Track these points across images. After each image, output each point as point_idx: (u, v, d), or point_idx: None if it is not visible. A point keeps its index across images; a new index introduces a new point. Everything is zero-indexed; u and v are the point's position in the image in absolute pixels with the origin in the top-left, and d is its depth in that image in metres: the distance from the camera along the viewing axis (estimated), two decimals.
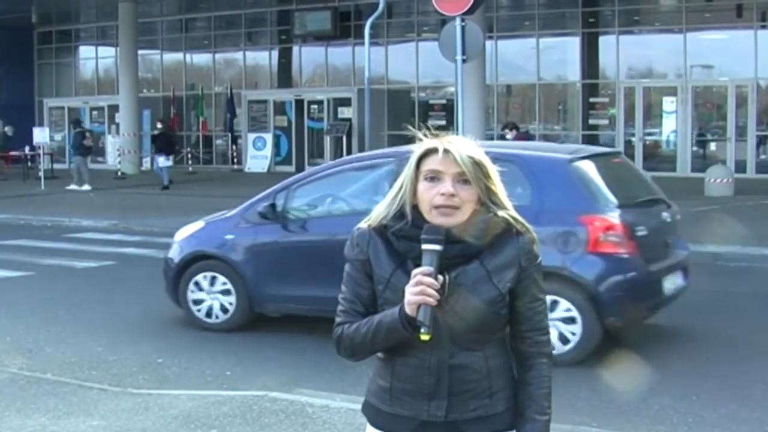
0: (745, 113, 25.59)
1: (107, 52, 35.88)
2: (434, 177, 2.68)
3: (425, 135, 2.75)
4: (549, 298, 7.20)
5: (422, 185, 2.70)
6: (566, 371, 6.78)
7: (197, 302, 9.00)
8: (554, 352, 7.92)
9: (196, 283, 8.99)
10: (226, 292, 8.89)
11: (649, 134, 27.32)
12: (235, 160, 31.56)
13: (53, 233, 16.65)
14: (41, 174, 25.96)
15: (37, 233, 16.59)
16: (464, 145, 2.71)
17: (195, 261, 9.03)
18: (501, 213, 2.73)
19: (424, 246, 2.63)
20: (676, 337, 8.49)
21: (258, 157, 30.81)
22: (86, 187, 24.61)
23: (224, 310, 8.92)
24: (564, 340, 7.54)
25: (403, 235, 2.72)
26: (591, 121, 27.77)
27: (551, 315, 7.24)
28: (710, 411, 6.41)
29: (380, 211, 2.80)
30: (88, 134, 26.22)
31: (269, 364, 7.84)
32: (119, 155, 30.01)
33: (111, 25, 33.47)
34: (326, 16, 30.39)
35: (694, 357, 7.83)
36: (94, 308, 10.00)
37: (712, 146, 26.68)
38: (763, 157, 25.71)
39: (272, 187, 8.90)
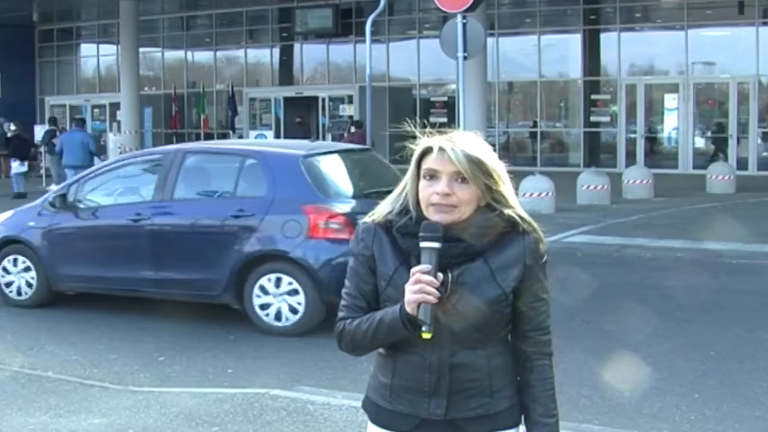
0: (746, 110, 25.57)
1: (108, 50, 35.87)
2: (432, 176, 2.67)
3: (425, 134, 2.73)
4: (275, 276, 8.47)
5: (422, 183, 2.69)
6: (569, 369, 6.77)
7: (7, 282, 10.08)
8: (281, 324, 8.48)
9: (5, 265, 10.07)
10: (28, 272, 9.97)
11: (651, 131, 27.30)
12: None
13: None
14: (42, 172, 25.90)
15: None
16: (464, 142, 2.67)
17: (5, 245, 10.12)
18: (507, 212, 2.70)
19: (423, 244, 2.62)
20: (678, 335, 8.47)
21: None
22: (54, 186, 24.35)
23: (28, 288, 9.98)
24: (293, 310, 8.59)
25: (407, 232, 2.70)
26: (593, 119, 27.74)
27: (278, 291, 8.64)
28: (713, 409, 6.40)
29: (385, 206, 2.79)
30: (58, 134, 25.89)
31: (271, 361, 7.83)
32: (121, 153, 29.99)
33: (112, 23, 33.44)
34: (327, 14, 30.37)
35: (696, 355, 7.81)
36: (95, 306, 9.98)
37: (714, 143, 26.66)
38: (765, 153, 25.69)
39: (68, 180, 10.22)
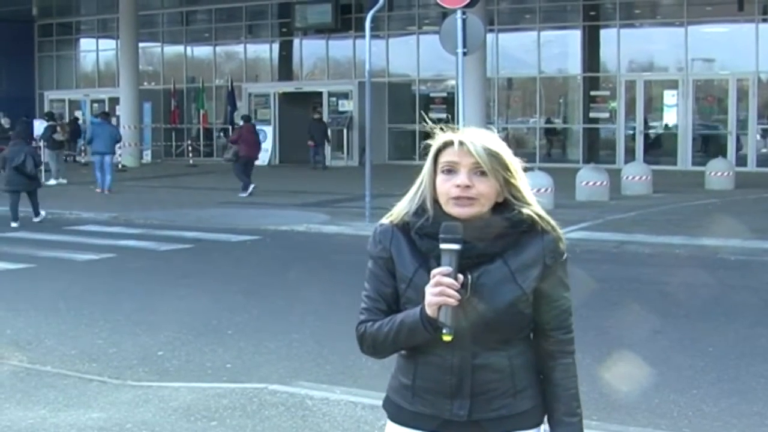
0: (746, 107, 25.58)
1: (108, 45, 35.86)
2: (451, 169, 2.64)
3: (441, 129, 2.71)
4: None
5: (440, 178, 2.66)
6: None
7: None
8: None
9: None
10: None
11: (650, 127, 27.30)
12: None
13: (54, 226, 16.64)
14: (42, 166, 25.85)
15: (37, 226, 16.58)
16: (481, 136, 2.66)
17: None
18: (525, 210, 2.67)
19: (443, 245, 2.59)
20: (677, 331, 8.48)
21: None
22: (62, 180, 24.49)
23: None
24: None
25: (426, 234, 2.67)
26: (592, 115, 27.76)
27: None
28: (711, 405, 6.41)
29: (402, 206, 2.75)
30: (59, 128, 25.91)
31: (269, 356, 7.83)
32: (120, 148, 29.98)
33: (112, 17, 33.44)
34: (327, 9, 30.36)
35: (694, 351, 7.82)
36: (94, 301, 9.99)
37: (713, 139, 26.67)
38: (764, 150, 25.70)
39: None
